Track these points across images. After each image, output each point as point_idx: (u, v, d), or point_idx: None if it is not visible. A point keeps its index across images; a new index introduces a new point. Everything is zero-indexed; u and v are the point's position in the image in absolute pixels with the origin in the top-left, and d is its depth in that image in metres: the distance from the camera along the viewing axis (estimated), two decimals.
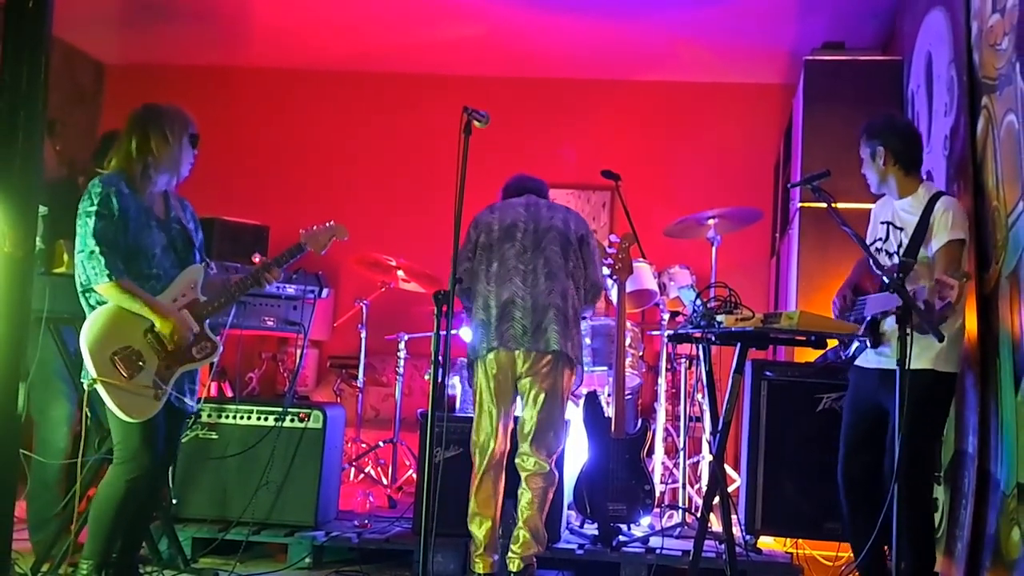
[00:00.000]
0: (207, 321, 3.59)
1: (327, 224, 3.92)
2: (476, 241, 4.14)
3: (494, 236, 4.12)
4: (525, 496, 3.99)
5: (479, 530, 4.00)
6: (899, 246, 3.69)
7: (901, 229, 3.73)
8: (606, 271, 4.69)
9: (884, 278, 3.52)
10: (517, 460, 4.04)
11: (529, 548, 3.97)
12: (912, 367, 3.51)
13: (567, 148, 7.53)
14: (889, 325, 3.59)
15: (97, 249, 3.31)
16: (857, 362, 3.85)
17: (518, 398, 4.09)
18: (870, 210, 4.00)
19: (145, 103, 3.62)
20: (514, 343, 3.96)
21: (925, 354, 3.45)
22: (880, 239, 3.80)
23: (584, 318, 4.27)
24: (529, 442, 4.01)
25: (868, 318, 3.63)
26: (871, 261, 3.59)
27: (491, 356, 3.98)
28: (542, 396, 3.98)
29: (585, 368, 4.99)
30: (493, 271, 4.06)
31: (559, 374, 4.00)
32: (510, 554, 3.99)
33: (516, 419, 4.13)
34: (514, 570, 3.96)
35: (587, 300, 4.20)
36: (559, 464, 4.46)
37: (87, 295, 3.43)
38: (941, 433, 3.81)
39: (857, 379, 3.86)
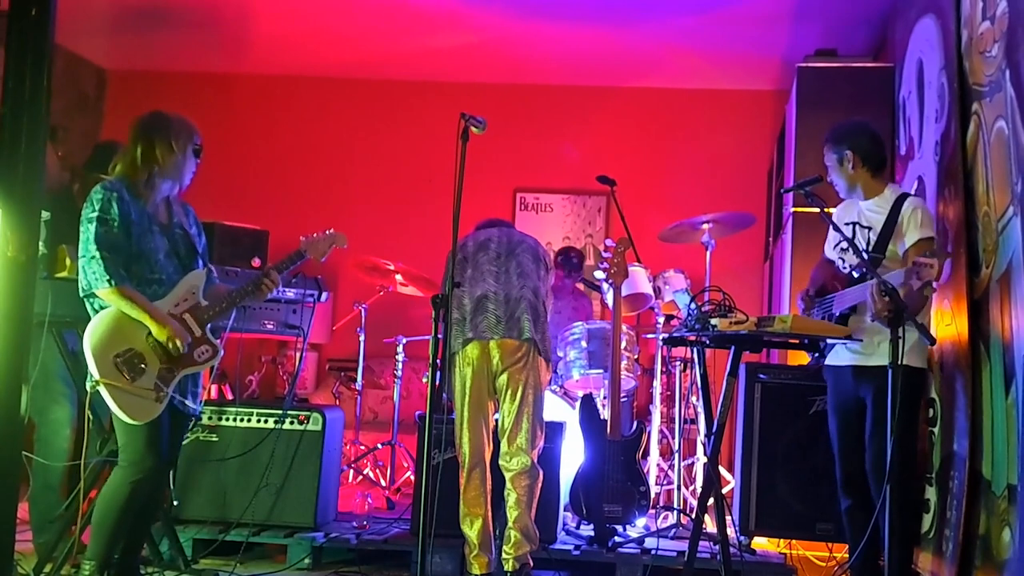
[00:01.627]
0: (208, 325, 3.62)
1: (327, 232, 3.96)
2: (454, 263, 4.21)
3: (468, 251, 4.22)
4: (511, 497, 4.02)
5: (471, 530, 4.03)
6: (868, 244, 3.74)
7: (869, 228, 3.78)
8: (601, 275, 4.75)
9: (855, 272, 3.59)
10: (500, 461, 4.06)
11: (521, 547, 3.99)
12: (882, 363, 3.54)
13: (569, 146, 7.58)
14: (867, 321, 3.63)
15: (98, 255, 3.35)
16: (829, 361, 3.89)
17: (497, 400, 4.11)
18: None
19: (153, 111, 3.65)
20: (488, 332, 4.01)
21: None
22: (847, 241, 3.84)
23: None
24: (509, 439, 4.03)
25: (837, 314, 3.68)
26: (858, 261, 3.65)
27: (467, 348, 4.04)
28: (520, 389, 4.02)
29: (581, 371, 5.06)
30: (468, 276, 4.14)
31: (534, 366, 4.04)
32: (504, 555, 4.01)
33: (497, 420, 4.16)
34: (509, 570, 3.99)
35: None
36: (555, 462, 4.51)
37: (90, 299, 3.46)
38: (918, 427, 3.86)
39: (834, 379, 3.90)
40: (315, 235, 3.94)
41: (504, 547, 4.02)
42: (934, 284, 3.25)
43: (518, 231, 4.40)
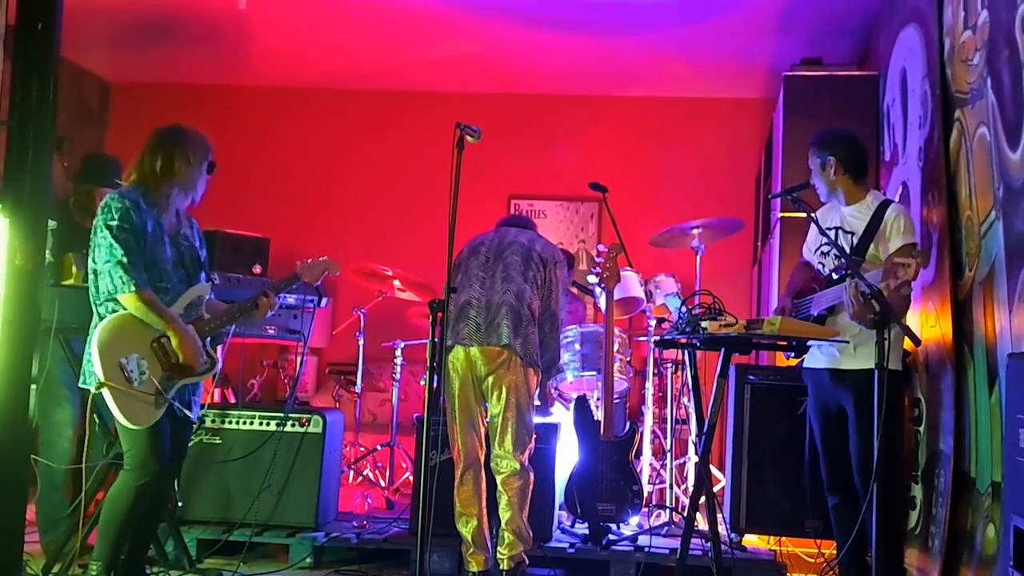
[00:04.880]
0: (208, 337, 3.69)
1: (321, 259, 4.06)
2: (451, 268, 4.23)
3: (463, 257, 4.27)
4: (503, 499, 4.06)
5: (466, 529, 4.07)
6: (849, 248, 3.79)
7: (851, 233, 3.84)
8: (594, 279, 4.80)
9: (835, 274, 3.65)
10: (492, 464, 4.10)
11: (515, 548, 4.04)
12: (857, 366, 3.64)
13: (562, 149, 7.65)
14: (842, 322, 3.69)
15: (125, 260, 3.39)
16: (806, 364, 3.94)
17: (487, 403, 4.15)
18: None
19: (172, 124, 3.70)
20: (469, 340, 4.05)
21: (870, 351, 3.49)
22: (828, 243, 3.88)
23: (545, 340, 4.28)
24: (497, 442, 4.07)
25: (815, 315, 3.74)
26: (838, 263, 3.72)
27: (451, 355, 4.08)
28: (504, 393, 4.04)
29: (575, 373, 5.10)
30: (457, 282, 4.17)
31: (518, 371, 4.05)
32: (499, 555, 4.06)
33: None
34: (505, 569, 4.04)
35: (544, 327, 4.23)
36: (550, 462, 4.57)
37: (101, 305, 3.49)
38: (902, 428, 3.92)
39: (813, 382, 3.95)
40: (310, 260, 4.04)
41: (499, 547, 4.07)
42: (912, 284, 3.30)
43: (516, 230, 4.38)
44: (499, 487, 4.07)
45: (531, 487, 4.12)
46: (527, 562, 4.12)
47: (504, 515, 4.06)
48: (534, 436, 4.21)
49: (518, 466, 4.05)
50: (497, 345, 4.03)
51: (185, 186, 3.66)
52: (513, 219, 4.58)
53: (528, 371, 4.10)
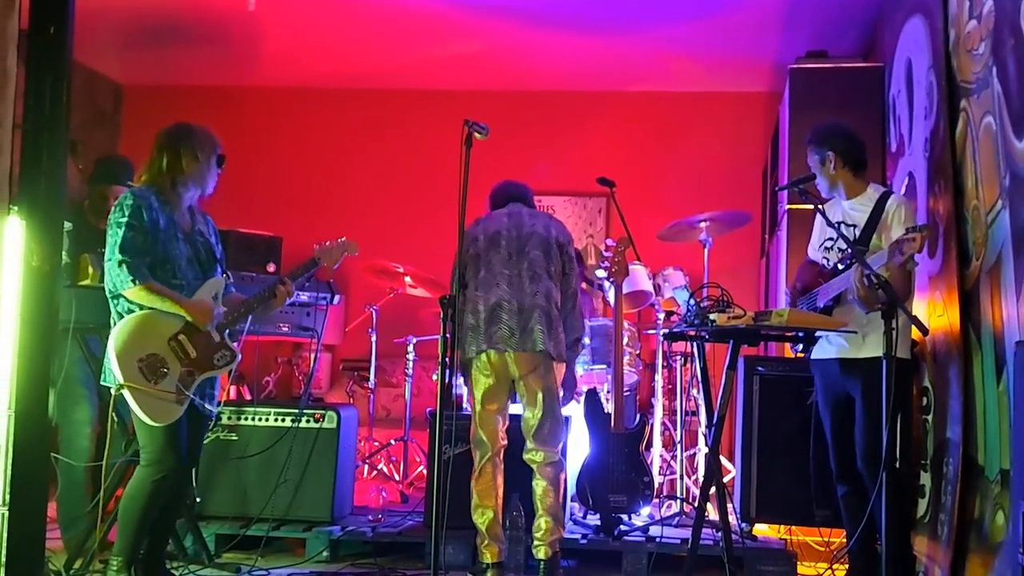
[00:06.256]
0: (226, 331, 3.74)
1: (339, 240, 4.06)
2: (465, 254, 4.17)
3: (480, 247, 4.21)
4: (540, 485, 4.09)
5: (481, 520, 4.11)
6: (853, 240, 3.81)
7: (854, 226, 3.86)
8: (603, 274, 4.82)
9: (839, 265, 3.67)
10: (526, 456, 4.14)
11: (553, 533, 4.07)
12: (867, 355, 3.67)
13: (539, 161, 7.68)
14: (850, 312, 3.71)
15: (123, 258, 3.44)
16: (814, 355, 3.96)
17: (517, 397, 4.19)
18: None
19: (177, 122, 3.75)
20: (503, 344, 4.06)
21: (879, 341, 3.51)
22: (831, 238, 3.93)
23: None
24: (535, 438, 4.12)
25: (821, 306, 3.77)
26: (843, 253, 3.74)
27: (483, 357, 4.09)
28: (540, 395, 4.08)
29: (585, 366, 5.13)
30: (480, 278, 4.15)
31: (551, 372, 4.11)
32: (535, 543, 4.07)
33: (512, 416, 4.25)
34: (542, 557, 4.06)
35: (567, 306, 4.26)
36: (562, 455, 4.61)
37: (115, 302, 3.55)
38: (910, 416, 3.93)
39: (822, 373, 3.97)
40: (328, 243, 4.04)
41: (535, 535, 4.09)
42: (916, 258, 3.31)
43: (528, 212, 4.34)
44: (536, 475, 4.11)
45: (564, 473, 4.17)
46: (560, 552, 4.16)
47: (543, 502, 4.08)
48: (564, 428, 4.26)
49: (555, 456, 4.13)
50: (532, 351, 4.06)
51: (196, 181, 3.72)
52: (511, 189, 4.47)
53: (556, 368, 4.16)
